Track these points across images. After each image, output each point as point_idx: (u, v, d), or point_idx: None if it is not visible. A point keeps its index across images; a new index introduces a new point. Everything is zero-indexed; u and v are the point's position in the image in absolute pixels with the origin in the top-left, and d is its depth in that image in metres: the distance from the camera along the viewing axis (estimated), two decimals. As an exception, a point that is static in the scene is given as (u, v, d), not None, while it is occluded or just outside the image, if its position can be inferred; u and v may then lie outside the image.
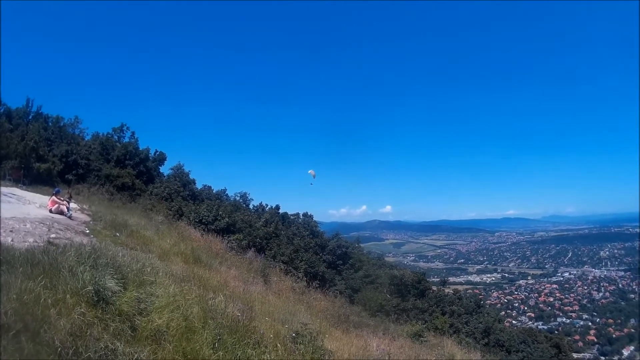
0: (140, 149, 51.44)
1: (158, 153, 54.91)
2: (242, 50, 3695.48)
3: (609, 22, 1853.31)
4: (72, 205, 22.71)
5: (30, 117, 48.35)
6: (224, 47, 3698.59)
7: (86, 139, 51.61)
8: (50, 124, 49.15)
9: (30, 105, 48.96)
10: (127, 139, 53.18)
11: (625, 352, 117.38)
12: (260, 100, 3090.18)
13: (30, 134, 41.70)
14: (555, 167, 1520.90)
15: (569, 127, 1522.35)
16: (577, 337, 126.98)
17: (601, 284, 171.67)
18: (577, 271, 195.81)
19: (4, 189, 24.38)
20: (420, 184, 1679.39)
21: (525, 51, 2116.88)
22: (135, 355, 6.53)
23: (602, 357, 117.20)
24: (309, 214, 64.76)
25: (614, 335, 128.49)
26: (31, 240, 12.47)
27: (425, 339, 23.40)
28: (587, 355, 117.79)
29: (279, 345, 9.81)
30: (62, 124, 50.67)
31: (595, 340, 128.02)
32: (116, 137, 53.10)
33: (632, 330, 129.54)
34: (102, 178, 43.43)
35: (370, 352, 14.47)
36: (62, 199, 21.35)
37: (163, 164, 55.78)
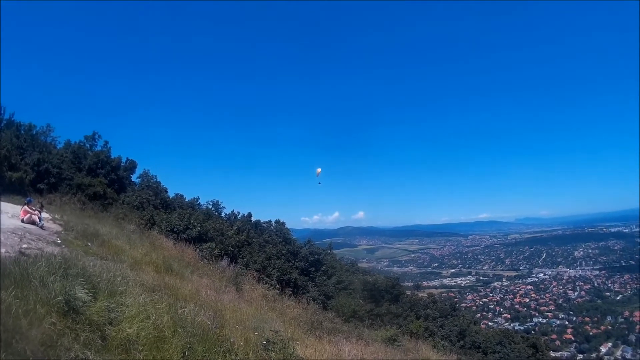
0: (112, 158, 51.04)
1: (129, 161, 54.35)
2: (211, 64, 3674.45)
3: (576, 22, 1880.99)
4: (44, 215, 22.50)
5: (2, 125, 47.76)
6: (198, 57, 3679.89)
7: (58, 147, 51.07)
8: (22, 131, 48.59)
9: (2, 112, 48.39)
10: (99, 147, 52.69)
11: (603, 349, 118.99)
12: (234, 108, 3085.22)
13: (2, 142, 41.19)
14: (528, 170, 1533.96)
15: (541, 131, 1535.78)
16: (554, 336, 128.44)
17: (576, 284, 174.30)
18: (552, 271, 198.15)
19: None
20: (393, 190, 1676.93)
21: (495, 56, 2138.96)
22: (106, 365, 6.61)
23: (580, 355, 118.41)
24: (281, 221, 64.67)
25: (591, 333, 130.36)
26: (3, 250, 12.40)
27: (399, 343, 23.50)
28: (565, 353, 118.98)
29: (249, 352, 9.92)
30: (34, 132, 50.09)
31: (573, 338, 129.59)
32: (88, 146, 52.57)
33: (609, 327, 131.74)
34: (73, 187, 42.95)
35: (343, 357, 14.62)
36: (34, 208, 21.17)
37: (134, 173, 55.35)
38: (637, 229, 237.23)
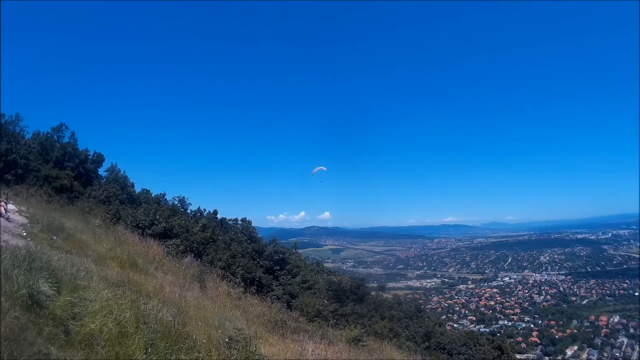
0: (80, 150, 50.40)
1: (97, 155, 53.67)
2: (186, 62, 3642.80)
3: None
4: (10, 206, 22.37)
5: (-30, 114, 46.89)
6: (182, 57, 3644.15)
7: (26, 138, 50.27)
8: (-9, 120, 47.71)
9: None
10: (66, 139, 51.90)
11: (569, 352, 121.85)
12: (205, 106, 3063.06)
13: (-30, 131, 40.62)
14: (495, 175, 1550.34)
15: (509, 137, 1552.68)
16: (520, 339, 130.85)
17: (542, 288, 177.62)
18: (518, 276, 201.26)
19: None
20: (359, 190, 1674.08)
21: (462, 58, 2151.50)
22: (69, 360, 6.60)
23: (546, 357, 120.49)
24: (247, 219, 64.10)
25: (557, 336, 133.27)
26: (-33, 243, 12.34)
27: (364, 343, 23.57)
28: (530, 356, 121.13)
29: (212, 350, 9.98)
30: (3, 121, 49.24)
31: (539, 341, 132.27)
32: (55, 137, 51.80)
33: (575, 331, 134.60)
34: (40, 179, 42.30)
35: (306, 357, 14.70)
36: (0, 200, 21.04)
37: (101, 166, 54.62)
38: (604, 236, 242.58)
